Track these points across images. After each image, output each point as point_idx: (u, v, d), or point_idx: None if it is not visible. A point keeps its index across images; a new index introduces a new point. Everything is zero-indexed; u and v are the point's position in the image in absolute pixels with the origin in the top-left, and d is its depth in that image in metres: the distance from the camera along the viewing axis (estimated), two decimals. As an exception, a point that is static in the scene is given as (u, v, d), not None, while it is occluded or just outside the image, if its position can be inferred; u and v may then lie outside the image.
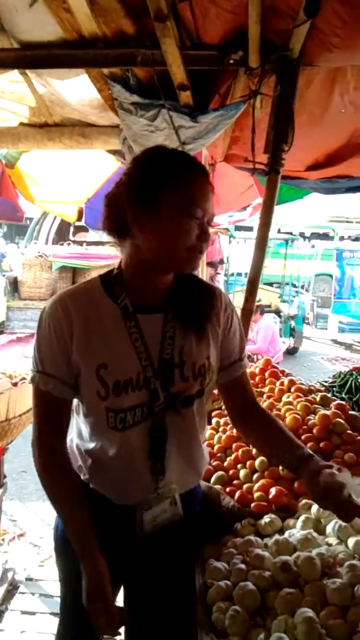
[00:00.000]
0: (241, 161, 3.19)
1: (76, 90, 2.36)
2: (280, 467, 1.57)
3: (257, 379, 2.39)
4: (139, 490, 1.20)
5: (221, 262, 10.67)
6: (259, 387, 2.27)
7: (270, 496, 1.50)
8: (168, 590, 1.31)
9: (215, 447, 1.83)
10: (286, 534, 1.33)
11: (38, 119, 2.72)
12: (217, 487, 1.59)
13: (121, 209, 1.11)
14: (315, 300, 11.11)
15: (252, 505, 1.49)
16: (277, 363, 6.66)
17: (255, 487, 1.56)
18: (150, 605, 1.32)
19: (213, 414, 2.13)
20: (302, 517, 1.37)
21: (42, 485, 1.18)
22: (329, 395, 2.12)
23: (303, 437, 1.72)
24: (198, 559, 1.32)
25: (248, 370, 2.45)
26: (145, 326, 1.16)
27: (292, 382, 2.17)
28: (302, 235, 13.78)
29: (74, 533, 1.15)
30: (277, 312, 8.95)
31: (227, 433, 1.87)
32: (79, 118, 2.70)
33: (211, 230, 1.17)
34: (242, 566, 1.21)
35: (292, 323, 9.18)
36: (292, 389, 2.11)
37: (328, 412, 1.78)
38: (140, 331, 1.15)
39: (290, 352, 9.04)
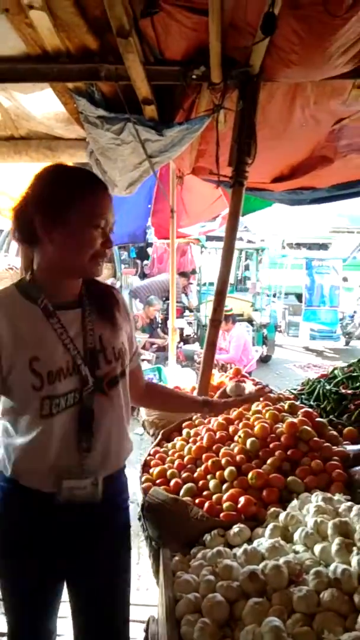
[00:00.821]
0: (208, 173, 3.25)
1: (41, 104, 2.35)
2: (249, 476, 1.59)
3: (227, 388, 2.41)
4: (65, 464, 1.28)
5: (193, 272, 10.74)
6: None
7: (239, 505, 1.51)
8: (104, 573, 1.40)
9: (186, 459, 1.84)
10: (255, 543, 1.34)
11: (4, 132, 2.70)
12: (187, 499, 1.59)
13: (28, 220, 1.25)
14: (286, 309, 11.26)
15: (222, 515, 1.50)
16: (250, 372, 6.74)
17: (224, 497, 1.57)
18: (91, 597, 1.40)
19: (183, 424, 2.14)
20: (270, 526, 1.38)
21: None
22: (297, 402, 2.16)
23: (271, 445, 1.74)
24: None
25: (218, 380, 2.50)
26: (67, 321, 1.29)
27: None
28: (298, 245, 14.03)
29: None
30: (250, 321, 9.03)
31: (197, 444, 1.87)
32: (45, 131, 2.70)
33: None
34: (211, 577, 1.22)
35: (265, 331, 9.27)
36: (261, 398, 2.14)
37: (295, 420, 1.81)
38: (63, 325, 1.28)
39: (263, 360, 9.12)
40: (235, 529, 1.41)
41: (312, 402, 2.39)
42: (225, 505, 1.53)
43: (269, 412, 1.93)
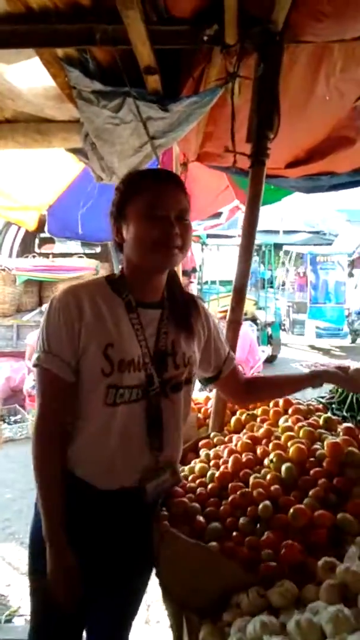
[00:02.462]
0: (215, 159, 2.95)
1: (27, 77, 2.05)
2: (290, 513, 1.29)
3: (247, 399, 2.11)
4: (139, 464, 1.32)
5: (194, 270, 10.43)
6: (250, 408, 1.99)
7: (281, 553, 1.21)
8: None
9: (209, 487, 1.53)
10: (308, 611, 1.04)
11: (-13, 114, 2.40)
12: (213, 544, 1.29)
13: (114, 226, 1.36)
14: (291, 306, 10.95)
15: (260, 566, 1.20)
16: (258, 373, 6.43)
17: (260, 541, 1.27)
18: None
19: (200, 443, 1.84)
20: (324, 585, 1.08)
21: (33, 465, 1.29)
22: (330, 415, 1.87)
23: (311, 471, 1.45)
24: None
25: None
26: (145, 319, 1.34)
27: (288, 403, 1.90)
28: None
29: (49, 511, 1.27)
30: (254, 320, 8.74)
31: (221, 469, 1.57)
32: (33, 112, 2.39)
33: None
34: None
35: (269, 330, 8.99)
36: (290, 411, 1.84)
37: (337, 440, 1.51)
38: (141, 322, 1.33)
39: (269, 360, 8.82)
40: (280, 587, 1.11)
41: (345, 413, 2.10)
42: (263, 553, 1.23)
43: (303, 429, 1.64)
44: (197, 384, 1.63)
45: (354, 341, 10.63)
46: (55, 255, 7.26)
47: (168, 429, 1.35)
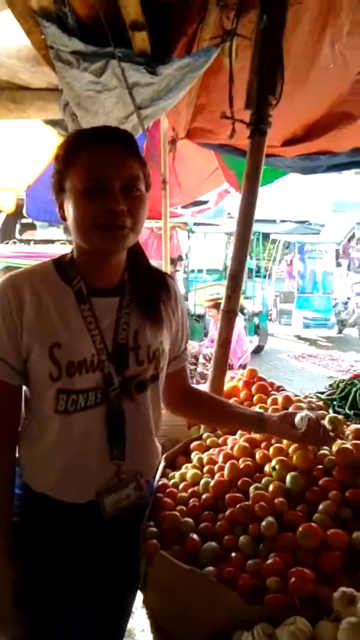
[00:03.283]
0: (207, 135, 2.73)
1: (-2, 34, 1.82)
2: (299, 534, 1.12)
3: (242, 395, 1.94)
4: (97, 477, 1.17)
5: (180, 258, 10.21)
6: (245, 405, 1.81)
7: (290, 582, 1.03)
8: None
9: (203, 498, 1.35)
10: (326, 657, 0.87)
11: None
12: (209, 569, 1.11)
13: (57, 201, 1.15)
14: (278, 296, 10.82)
15: (265, 599, 1.02)
16: (245, 364, 6.28)
17: (265, 566, 1.09)
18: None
19: (191, 445, 1.66)
20: (345, 625, 0.91)
21: None
22: (333, 413, 1.70)
23: (320, 481, 1.27)
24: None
25: (229, 384, 2.02)
26: (100, 310, 1.15)
27: (288, 400, 1.73)
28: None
29: None
30: (241, 310, 8.58)
31: (217, 477, 1.39)
32: (6, 78, 2.15)
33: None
34: None
35: (257, 320, 8.84)
36: (290, 409, 1.66)
37: (348, 445, 1.34)
38: (95, 315, 1.14)
39: (256, 350, 8.67)
40: (290, 625, 0.94)
41: (347, 410, 1.93)
42: (268, 581, 1.05)
43: (307, 431, 1.45)
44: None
45: (340, 331, 10.54)
46: (36, 242, 7.02)
47: (133, 436, 1.18)
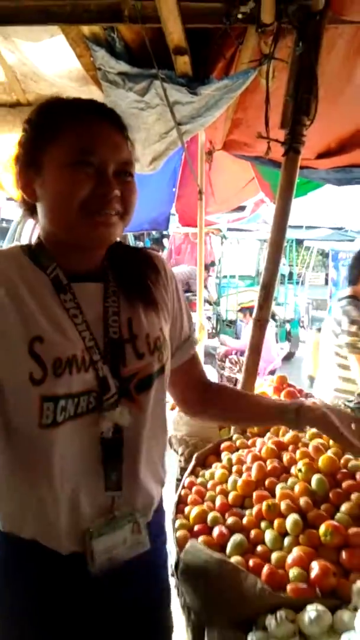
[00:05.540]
0: (242, 148, 2.83)
1: (52, 57, 1.97)
2: (322, 531, 1.19)
3: (271, 400, 2.01)
4: (87, 511, 0.92)
5: (212, 264, 10.29)
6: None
7: (312, 574, 1.11)
8: None
9: (231, 496, 1.44)
10: (344, 639, 0.95)
11: (9, 96, 2.32)
12: (237, 558, 1.20)
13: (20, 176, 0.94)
14: (310, 303, 10.76)
15: (289, 588, 1.10)
16: (274, 370, 6.29)
17: (290, 559, 1.17)
18: None
19: (222, 446, 1.75)
20: (361, 613, 0.98)
21: None
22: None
23: (344, 484, 1.34)
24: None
25: (259, 390, 2.10)
26: (84, 299, 0.94)
27: None
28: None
29: None
30: (272, 316, 8.59)
31: (244, 476, 1.48)
32: (56, 95, 2.30)
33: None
34: None
35: (288, 327, 8.83)
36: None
37: (372, 451, 1.40)
38: (79, 306, 0.93)
39: (286, 357, 8.67)
40: (311, 612, 1.02)
41: (374, 419, 1.98)
42: (292, 573, 1.13)
43: (333, 436, 1.53)
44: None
45: (372, 340, 10.39)
46: None
47: (133, 455, 0.96)
